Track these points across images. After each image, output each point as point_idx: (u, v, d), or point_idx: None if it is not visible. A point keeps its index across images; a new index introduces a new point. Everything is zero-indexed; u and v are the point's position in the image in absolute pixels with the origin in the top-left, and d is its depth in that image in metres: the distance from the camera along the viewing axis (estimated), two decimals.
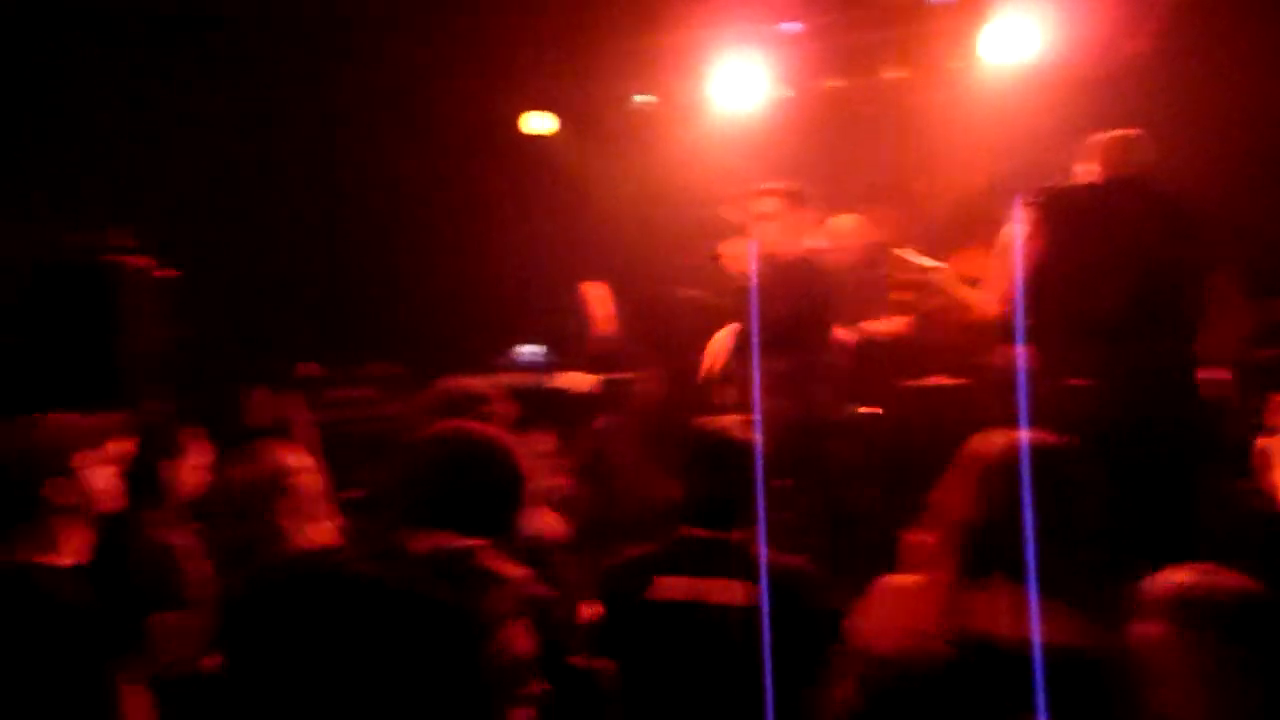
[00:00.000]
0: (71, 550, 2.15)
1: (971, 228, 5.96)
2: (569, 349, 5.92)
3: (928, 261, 3.91)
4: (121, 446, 2.45)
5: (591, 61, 6.42)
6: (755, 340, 3.99)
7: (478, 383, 2.89)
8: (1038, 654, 1.43)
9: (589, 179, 6.73)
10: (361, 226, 6.24)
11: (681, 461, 2.46)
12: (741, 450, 2.45)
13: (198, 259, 4.68)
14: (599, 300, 5.86)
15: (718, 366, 4.12)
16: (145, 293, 3.44)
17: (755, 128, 6.38)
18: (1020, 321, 3.46)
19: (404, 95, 6.28)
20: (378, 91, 6.11)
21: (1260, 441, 2.50)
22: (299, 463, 2.71)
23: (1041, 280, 3.35)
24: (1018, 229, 3.43)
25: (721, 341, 4.07)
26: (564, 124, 6.77)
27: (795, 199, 4.26)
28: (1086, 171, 3.60)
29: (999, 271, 3.43)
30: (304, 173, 6.02)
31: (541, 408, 5.21)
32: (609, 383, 5.67)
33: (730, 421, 2.54)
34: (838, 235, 5.49)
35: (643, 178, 6.20)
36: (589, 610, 2.47)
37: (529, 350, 6.07)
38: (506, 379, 5.54)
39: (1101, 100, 5.20)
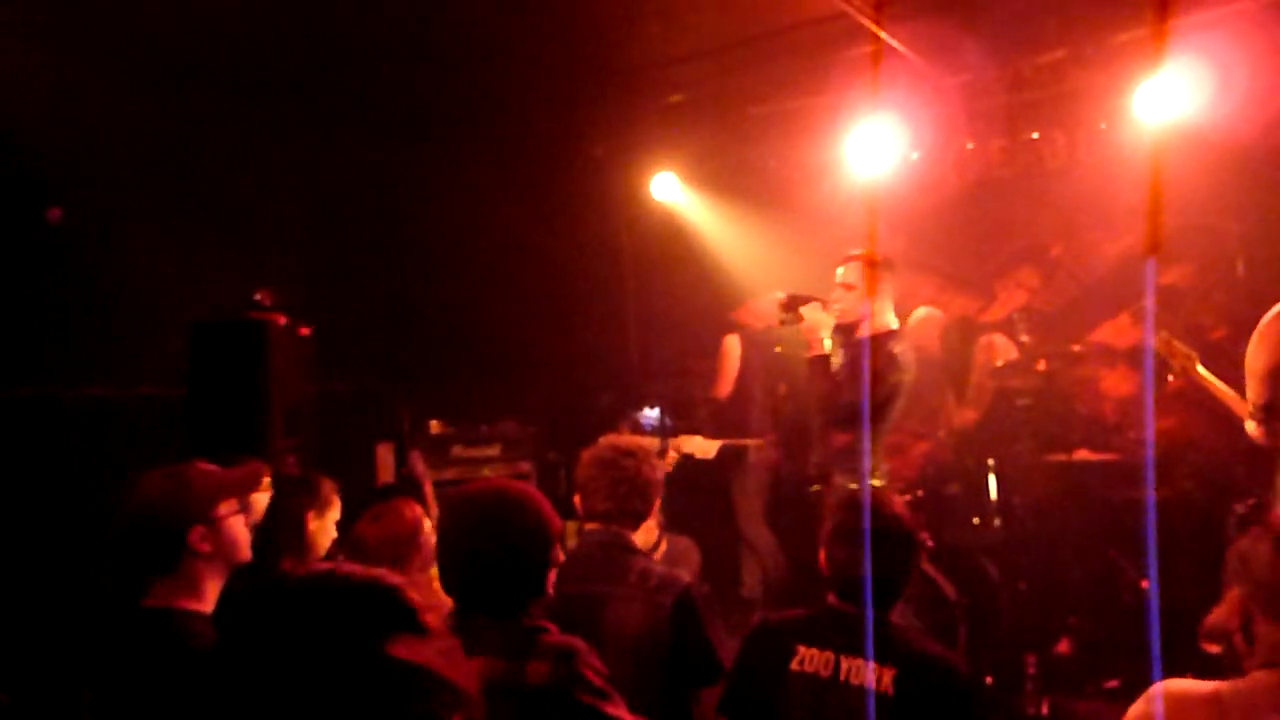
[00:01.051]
0: (214, 598, 2.20)
1: (1119, 294, 5.78)
2: (692, 413, 5.90)
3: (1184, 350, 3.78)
4: (262, 497, 2.51)
5: (725, 125, 6.50)
6: (864, 411, 4.02)
7: (633, 440, 2.91)
8: None
9: (718, 244, 6.77)
10: (493, 289, 6.39)
11: (838, 532, 2.40)
12: (904, 530, 2.41)
13: (340, 319, 4.85)
14: (729, 361, 5.86)
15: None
16: (288, 349, 3.57)
17: (891, 192, 6.34)
18: None
19: (539, 162, 6.45)
20: (514, 158, 6.30)
21: None
22: (430, 521, 2.74)
23: None
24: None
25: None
26: (696, 190, 6.86)
27: (880, 268, 4.17)
28: None
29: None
30: (439, 237, 6.21)
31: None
32: (729, 448, 5.62)
33: (892, 498, 2.50)
34: (917, 327, 5.59)
35: (772, 241, 6.18)
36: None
37: (651, 413, 6.07)
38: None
39: (1261, 164, 4.98)
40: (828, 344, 4.16)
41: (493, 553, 2.09)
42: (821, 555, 2.45)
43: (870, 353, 4.06)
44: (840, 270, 4.22)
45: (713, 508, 5.81)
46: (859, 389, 4.02)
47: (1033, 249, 6.24)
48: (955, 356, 5.54)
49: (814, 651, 2.35)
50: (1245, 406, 3.31)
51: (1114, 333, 5.83)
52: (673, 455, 5.37)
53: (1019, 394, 4.99)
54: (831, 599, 2.41)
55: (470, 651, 1.79)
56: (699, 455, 5.60)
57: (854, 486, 4.08)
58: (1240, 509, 2.10)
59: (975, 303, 6.11)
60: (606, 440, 2.86)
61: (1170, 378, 3.87)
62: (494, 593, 2.09)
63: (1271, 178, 5.01)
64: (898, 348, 4.05)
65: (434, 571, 2.54)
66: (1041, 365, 4.91)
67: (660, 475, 2.85)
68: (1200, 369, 3.84)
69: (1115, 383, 5.74)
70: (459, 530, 2.15)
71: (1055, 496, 4.98)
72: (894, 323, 4.15)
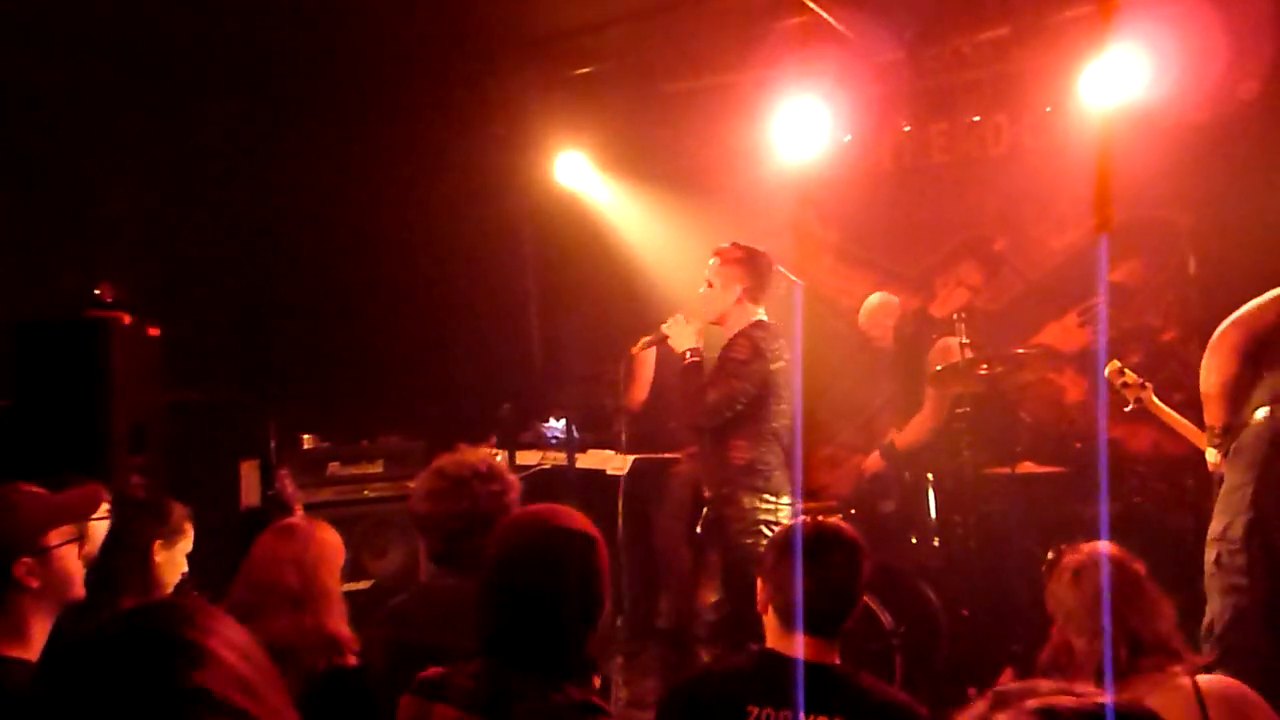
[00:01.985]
0: (41, 641, 2.12)
1: (1066, 292, 5.99)
2: (603, 423, 5.91)
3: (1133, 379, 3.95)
4: (101, 525, 2.44)
5: (639, 102, 6.55)
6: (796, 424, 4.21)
7: (478, 456, 2.83)
8: None
9: (631, 234, 6.83)
10: (375, 284, 6.32)
11: (786, 562, 2.38)
12: (858, 559, 2.44)
13: (193, 318, 4.73)
14: (643, 368, 5.89)
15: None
16: (133, 352, 3.47)
17: (822, 178, 6.45)
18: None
19: (429, 141, 6.40)
20: (400, 136, 6.23)
21: None
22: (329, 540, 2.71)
23: None
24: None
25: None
26: (607, 173, 6.90)
27: (734, 263, 4.31)
28: None
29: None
30: (312, 225, 6.11)
31: (568, 488, 5.20)
32: (644, 462, 5.64)
33: (837, 520, 2.52)
34: (868, 314, 5.75)
35: (691, 231, 6.23)
36: None
37: (556, 424, 6.07)
38: (529, 455, 5.61)
39: (1214, 152, 5.21)
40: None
41: (553, 597, 2.06)
42: (760, 590, 2.43)
43: (725, 350, 4.20)
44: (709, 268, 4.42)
45: (626, 529, 5.82)
46: (710, 393, 4.17)
47: (975, 242, 6.40)
48: (909, 353, 5.61)
49: (769, 711, 2.30)
50: (1203, 437, 3.49)
51: (1061, 335, 6.03)
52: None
53: (959, 401, 5.10)
54: (773, 643, 2.40)
55: None
56: (610, 470, 5.61)
57: (763, 506, 4.14)
58: (1052, 554, 2.48)
59: (914, 300, 6.25)
60: (447, 461, 2.74)
61: (1126, 408, 4.04)
62: (541, 648, 2.03)
63: (1225, 166, 5.23)
64: (757, 335, 4.19)
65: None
66: (983, 370, 5.04)
67: (514, 499, 2.73)
68: (1154, 400, 4.02)
69: (1061, 388, 5.94)
70: (513, 567, 2.10)
71: (999, 513, 5.10)
72: (754, 315, 4.26)
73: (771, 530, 4.02)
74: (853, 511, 5.20)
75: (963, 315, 5.23)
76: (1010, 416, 5.37)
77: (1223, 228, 5.27)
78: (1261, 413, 3.31)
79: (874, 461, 5.57)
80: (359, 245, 6.23)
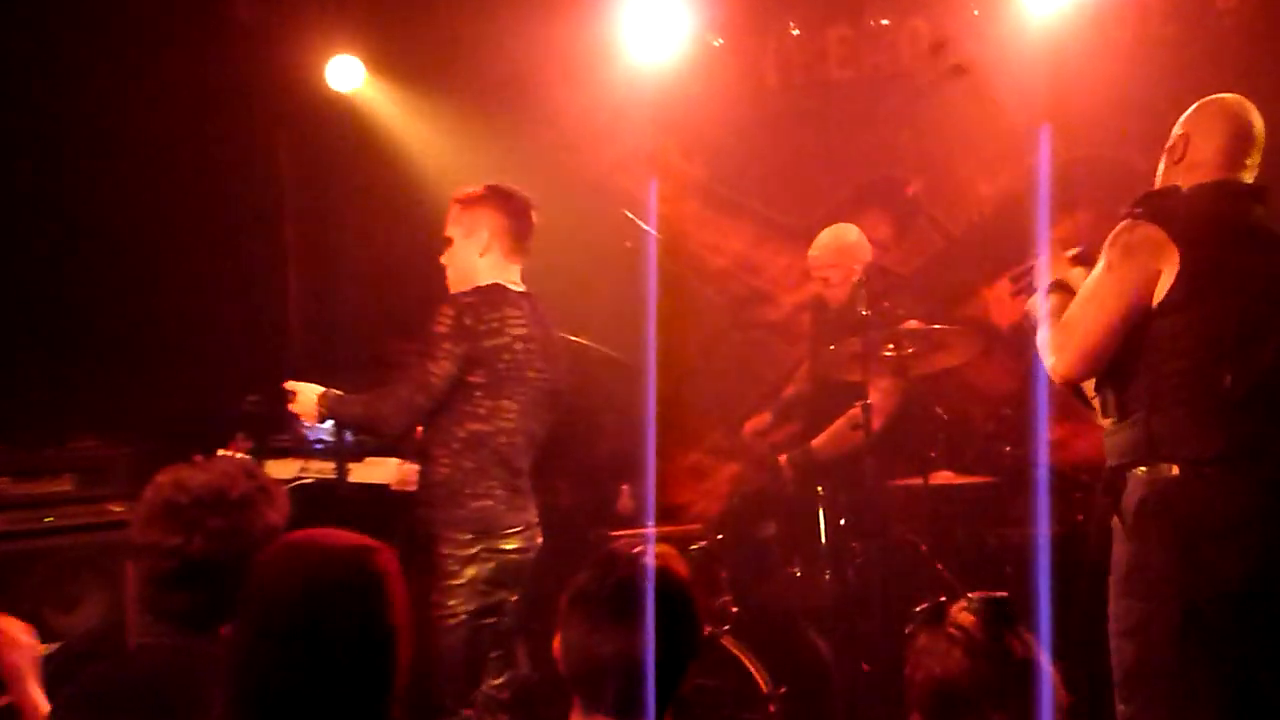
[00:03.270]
0: None
1: (999, 252, 6.20)
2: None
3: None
4: None
5: None
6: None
7: (233, 465, 2.78)
8: None
9: (428, 165, 6.81)
10: (62, 232, 6.10)
11: (582, 608, 2.41)
12: (684, 603, 2.45)
13: None
14: None
15: None
16: None
17: (684, 96, 6.51)
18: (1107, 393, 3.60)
19: (145, 29, 6.21)
20: (103, 21, 6.03)
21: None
22: None
23: (1152, 334, 3.46)
24: (1111, 253, 3.54)
25: None
26: (394, 84, 6.87)
27: (491, 206, 4.42)
28: (1193, 168, 3.68)
29: (1080, 317, 3.52)
30: None
31: (338, 509, 5.14)
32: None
33: (665, 552, 2.52)
34: (828, 253, 5.73)
35: (511, 163, 6.25)
36: None
37: (322, 424, 5.99)
38: (284, 466, 5.52)
39: (1181, 73, 5.47)
40: None
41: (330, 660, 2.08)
42: (556, 643, 2.46)
43: (436, 319, 4.27)
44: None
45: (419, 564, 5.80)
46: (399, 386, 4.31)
47: (883, 185, 6.58)
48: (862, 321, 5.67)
49: None
50: None
51: (991, 306, 6.24)
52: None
53: (855, 392, 5.19)
54: (576, 713, 2.43)
55: None
56: (398, 487, 5.58)
57: (457, 552, 4.22)
58: (920, 609, 2.62)
59: (803, 259, 6.38)
60: (176, 474, 2.70)
61: None
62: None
63: (1196, 94, 5.49)
64: (468, 300, 4.27)
65: None
66: (889, 350, 5.16)
67: (271, 521, 2.68)
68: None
69: (991, 376, 6.15)
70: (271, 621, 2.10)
71: (908, 537, 5.26)
72: (498, 276, 4.36)
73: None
74: (720, 537, 5.28)
75: (863, 280, 5.37)
76: (924, 412, 5.50)
77: None
78: (1142, 470, 3.50)
79: (748, 468, 5.68)
80: (39, 177, 6.01)
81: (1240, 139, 3.64)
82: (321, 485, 5.42)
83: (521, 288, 4.42)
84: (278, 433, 5.88)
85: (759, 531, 5.40)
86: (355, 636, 2.10)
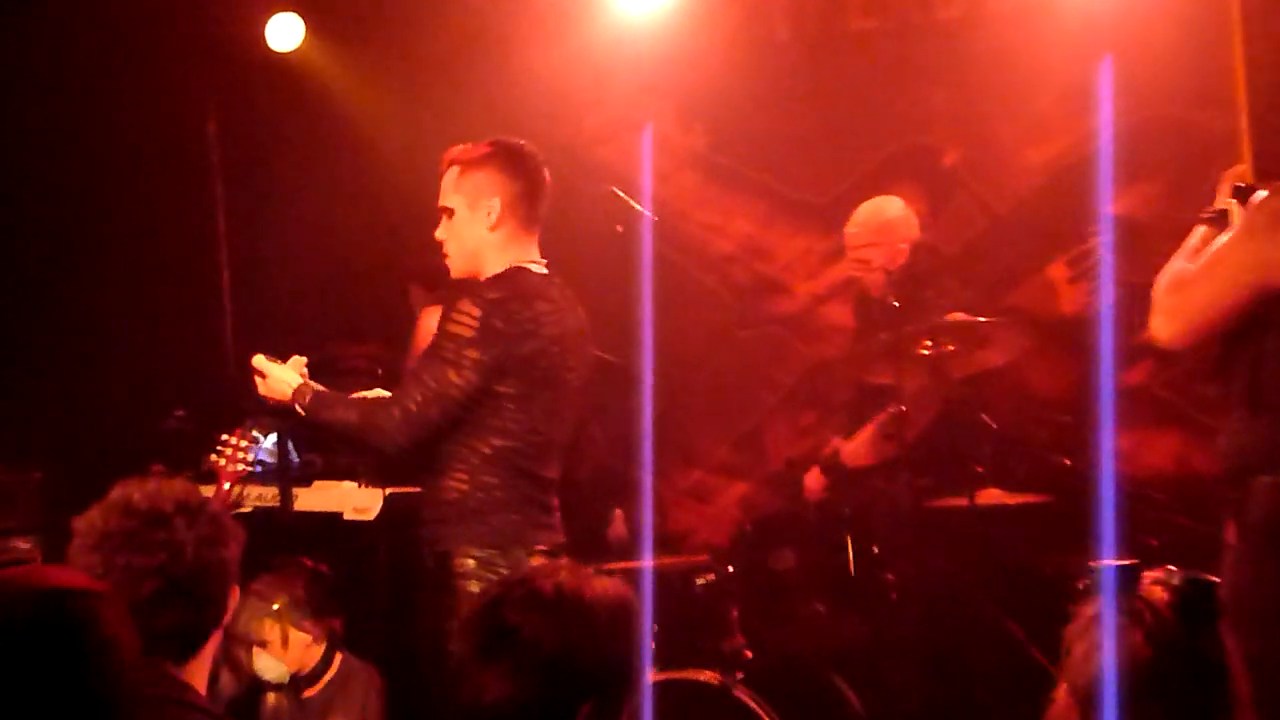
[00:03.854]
0: None
1: (1052, 231, 6.14)
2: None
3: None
4: None
5: None
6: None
7: (171, 490, 2.76)
8: None
9: (382, 136, 6.77)
10: None
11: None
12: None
13: None
14: (420, 337, 5.83)
15: None
16: None
17: (679, 52, 6.46)
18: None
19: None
20: None
21: None
22: None
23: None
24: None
25: None
26: (339, 43, 6.80)
27: (499, 167, 4.25)
28: None
29: (1204, 281, 3.47)
30: None
31: (283, 542, 5.06)
32: (404, 500, 5.56)
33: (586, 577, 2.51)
34: (868, 231, 5.69)
35: (478, 130, 6.19)
36: None
37: (264, 442, 5.92)
38: (217, 490, 5.45)
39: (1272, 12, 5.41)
40: None
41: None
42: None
43: (441, 320, 4.18)
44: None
45: (386, 615, 5.75)
46: (404, 395, 4.17)
47: (915, 155, 6.52)
48: (903, 310, 5.55)
49: None
50: None
51: (1043, 294, 6.18)
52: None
53: (888, 396, 5.17)
54: None
55: None
56: (352, 515, 5.53)
57: (484, 571, 4.11)
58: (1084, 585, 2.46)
59: (824, 242, 6.33)
60: (119, 496, 2.74)
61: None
62: None
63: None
64: (494, 295, 4.09)
65: None
66: (926, 348, 5.11)
67: (231, 554, 2.74)
68: None
69: (1045, 377, 6.09)
70: None
71: (951, 568, 5.21)
72: (517, 257, 4.20)
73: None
74: (729, 570, 5.21)
75: (905, 263, 5.32)
76: (967, 420, 5.47)
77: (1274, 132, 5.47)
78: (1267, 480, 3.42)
79: (814, 482, 5.62)
80: None
81: None
82: (262, 515, 5.37)
83: (543, 267, 4.26)
84: (206, 453, 5.82)
85: (775, 562, 5.36)
86: (35, 702, 2.01)
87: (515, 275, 4.16)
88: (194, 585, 2.68)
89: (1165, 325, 3.55)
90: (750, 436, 6.44)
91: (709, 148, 6.89)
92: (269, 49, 6.68)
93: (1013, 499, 5.32)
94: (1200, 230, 3.66)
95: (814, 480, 5.66)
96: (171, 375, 6.50)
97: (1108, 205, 5.77)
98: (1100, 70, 5.07)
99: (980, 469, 5.29)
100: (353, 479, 5.52)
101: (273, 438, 6.01)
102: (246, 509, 5.49)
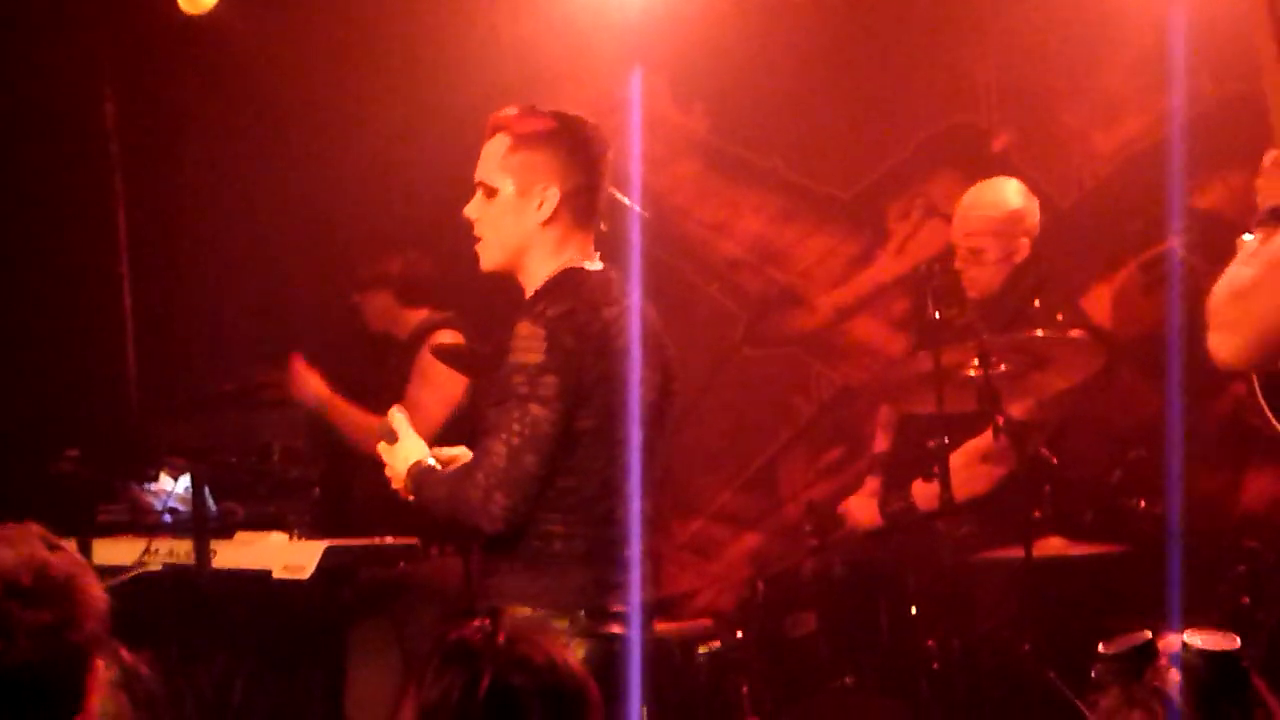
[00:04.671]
0: None
1: (1121, 230, 6.20)
2: (270, 483, 5.84)
3: None
4: None
5: None
6: None
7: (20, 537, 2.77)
8: None
9: (308, 112, 6.81)
10: None
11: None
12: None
13: None
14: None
15: None
16: None
17: (673, 16, 6.49)
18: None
19: None
20: None
21: None
22: None
23: None
24: None
25: None
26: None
27: (559, 145, 4.18)
28: None
29: (1270, 288, 3.48)
30: None
31: (198, 608, 5.09)
32: (347, 554, 5.60)
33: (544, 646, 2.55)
34: (984, 220, 5.76)
35: (432, 111, 6.24)
36: None
37: (174, 487, 5.97)
38: (120, 547, 5.49)
39: None
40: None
41: None
42: None
43: (519, 346, 4.03)
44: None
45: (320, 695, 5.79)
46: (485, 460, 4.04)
47: (957, 139, 6.57)
48: (1010, 316, 5.67)
49: None
50: None
51: (1115, 304, 6.22)
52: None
53: (930, 428, 5.23)
54: None
55: None
56: (283, 574, 5.56)
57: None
58: (1109, 650, 2.41)
59: (850, 243, 6.40)
60: None
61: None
62: None
63: None
64: (554, 311, 3.99)
65: None
66: (974, 369, 5.14)
67: (102, 629, 2.65)
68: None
69: (1115, 404, 6.13)
70: None
71: (1004, 632, 5.25)
72: (572, 258, 4.14)
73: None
74: (739, 636, 5.27)
75: (936, 268, 5.36)
76: (1027, 452, 5.51)
77: None
78: None
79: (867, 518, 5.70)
80: None
81: None
82: (173, 574, 5.39)
83: (598, 261, 4.18)
84: (107, 500, 5.85)
85: (793, 628, 5.39)
86: None
87: (571, 278, 4.11)
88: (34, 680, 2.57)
89: (1226, 342, 3.56)
90: (761, 477, 6.47)
91: (711, 131, 6.92)
92: (179, 10, 6.69)
93: (1077, 549, 5.35)
94: (1255, 235, 3.69)
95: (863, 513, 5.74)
96: (63, 407, 6.54)
97: (1188, 198, 5.83)
98: (1174, 37, 5.16)
99: (1038, 514, 5.31)
100: (283, 529, 5.53)
101: (185, 482, 6.05)
102: (154, 567, 5.53)
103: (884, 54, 6.64)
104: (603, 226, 5.28)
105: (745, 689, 5.15)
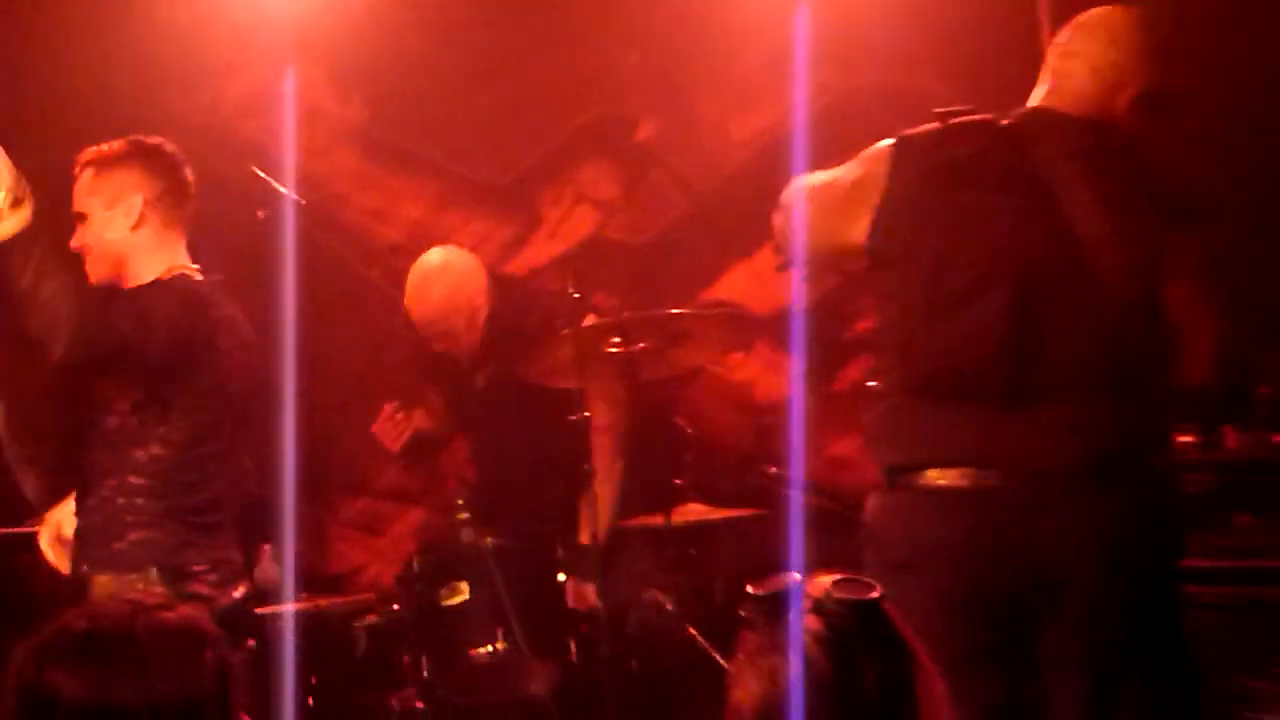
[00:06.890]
0: None
1: (756, 214, 6.36)
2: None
3: None
4: None
5: None
6: None
7: None
8: None
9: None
10: None
11: None
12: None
13: None
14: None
15: None
16: None
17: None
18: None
19: None
20: None
21: None
22: None
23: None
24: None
25: None
26: None
27: (139, 164, 4.47)
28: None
29: None
30: None
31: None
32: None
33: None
34: (437, 309, 5.93)
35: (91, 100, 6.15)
36: None
37: None
38: None
39: None
40: None
41: None
42: None
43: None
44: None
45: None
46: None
47: (605, 128, 6.70)
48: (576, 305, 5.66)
49: None
50: None
51: (751, 285, 6.43)
52: None
53: (565, 404, 5.24)
54: None
55: None
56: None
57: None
58: (757, 590, 2.37)
59: (506, 228, 6.46)
60: None
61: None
62: None
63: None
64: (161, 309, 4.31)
65: None
66: (615, 345, 5.23)
67: None
68: None
69: (750, 376, 6.30)
70: None
71: (649, 594, 5.39)
72: (176, 256, 4.47)
73: None
74: (395, 607, 5.35)
75: (585, 253, 5.45)
76: (663, 426, 5.69)
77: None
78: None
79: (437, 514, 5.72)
80: None
81: None
82: None
83: (199, 273, 4.50)
84: None
85: (447, 597, 5.44)
86: None
87: (176, 283, 4.40)
88: None
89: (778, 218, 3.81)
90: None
91: (371, 121, 6.92)
92: None
93: (717, 513, 5.51)
94: None
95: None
96: None
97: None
98: (799, 30, 5.31)
99: (679, 481, 5.48)
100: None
101: None
102: None
103: (539, 46, 6.69)
104: (259, 213, 5.36)
105: (405, 659, 5.18)
